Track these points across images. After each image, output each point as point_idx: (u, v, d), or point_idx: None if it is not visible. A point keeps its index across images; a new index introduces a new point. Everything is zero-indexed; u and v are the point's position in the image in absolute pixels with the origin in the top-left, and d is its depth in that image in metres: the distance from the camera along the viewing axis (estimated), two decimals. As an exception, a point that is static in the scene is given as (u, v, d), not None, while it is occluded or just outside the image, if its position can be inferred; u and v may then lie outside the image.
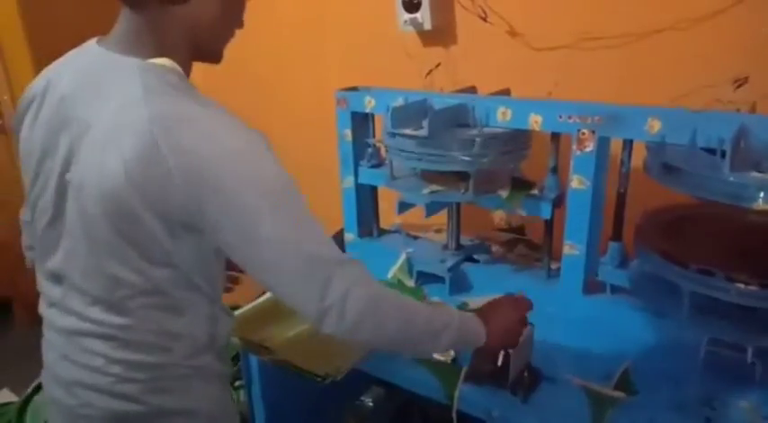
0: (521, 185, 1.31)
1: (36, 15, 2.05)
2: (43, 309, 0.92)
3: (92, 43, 0.86)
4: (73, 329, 0.86)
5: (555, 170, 1.27)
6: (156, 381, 0.86)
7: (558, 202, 1.26)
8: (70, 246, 0.84)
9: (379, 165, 1.51)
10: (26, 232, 1.01)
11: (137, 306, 0.83)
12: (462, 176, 1.28)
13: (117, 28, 0.84)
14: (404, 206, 1.42)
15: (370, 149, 1.51)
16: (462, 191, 1.27)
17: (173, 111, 0.76)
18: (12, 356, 2.14)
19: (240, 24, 0.92)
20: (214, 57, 0.90)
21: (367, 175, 1.52)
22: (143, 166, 0.74)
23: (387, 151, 1.34)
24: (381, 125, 1.30)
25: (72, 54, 0.88)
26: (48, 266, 0.88)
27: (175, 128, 0.75)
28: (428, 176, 1.33)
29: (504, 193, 1.28)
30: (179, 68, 0.82)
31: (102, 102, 0.78)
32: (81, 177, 0.79)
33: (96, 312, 0.83)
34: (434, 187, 1.30)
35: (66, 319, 0.86)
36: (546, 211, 1.26)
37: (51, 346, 0.90)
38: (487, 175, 1.27)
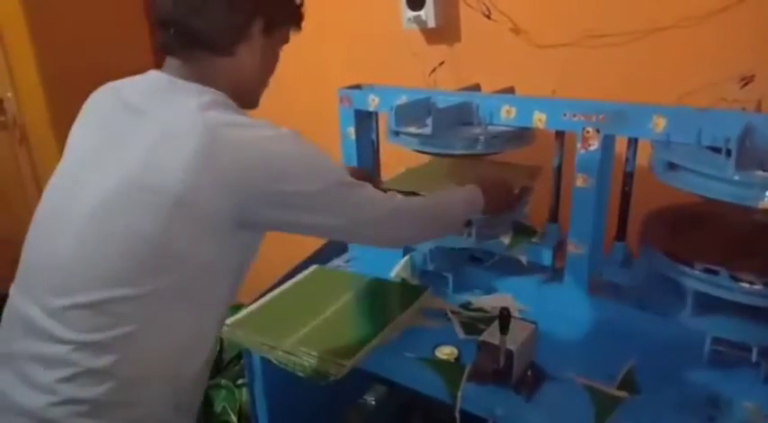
0: (523, 232, 1.34)
1: (40, 13, 2.05)
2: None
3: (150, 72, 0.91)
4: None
5: (555, 218, 1.30)
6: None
7: (559, 248, 1.29)
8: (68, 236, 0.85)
9: None
10: None
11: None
12: (465, 222, 1.31)
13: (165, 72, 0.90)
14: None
15: None
16: (465, 236, 1.31)
17: (224, 118, 0.83)
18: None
19: (272, 73, 1.00)
20: (252, 105, 0.96)
21: None
22: (200, 164, 0.78)
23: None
24: (385, 123, 1.29)
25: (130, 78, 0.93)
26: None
27: (228, 129, 0.81)
28: None
29: (506, 240, 1.32)
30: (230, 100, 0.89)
31: (161, 110, 0.84)
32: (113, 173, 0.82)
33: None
34: None
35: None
36: (547, 259, 1.28)
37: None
38: (490, 221, 1.31)
